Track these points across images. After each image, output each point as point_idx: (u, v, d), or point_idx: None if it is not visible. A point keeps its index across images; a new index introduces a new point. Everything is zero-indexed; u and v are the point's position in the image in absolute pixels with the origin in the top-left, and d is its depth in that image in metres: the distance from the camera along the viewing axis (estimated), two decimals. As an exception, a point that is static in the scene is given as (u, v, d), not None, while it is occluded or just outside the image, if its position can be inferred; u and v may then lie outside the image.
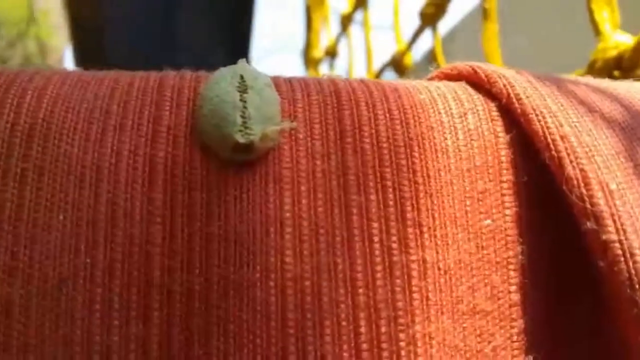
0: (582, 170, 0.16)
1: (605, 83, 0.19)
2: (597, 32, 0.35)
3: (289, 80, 0.17)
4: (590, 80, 0.19)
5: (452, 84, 0.18)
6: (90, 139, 0.16)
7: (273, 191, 0.15)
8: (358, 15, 0.67)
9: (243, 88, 0.15)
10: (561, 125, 0.16)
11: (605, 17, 0.40)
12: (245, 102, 0.15)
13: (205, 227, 0.15)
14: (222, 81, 0.16)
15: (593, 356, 0.17)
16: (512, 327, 0.16)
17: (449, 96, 0.18)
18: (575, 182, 0.16)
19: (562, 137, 0.16)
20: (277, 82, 0.17)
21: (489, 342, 0.16)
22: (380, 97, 0.17)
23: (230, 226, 0.15)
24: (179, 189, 0.15)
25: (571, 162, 0.16)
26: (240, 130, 0.15)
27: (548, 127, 0.16)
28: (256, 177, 0.16)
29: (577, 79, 0.19)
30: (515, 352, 0.16)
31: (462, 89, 0.18)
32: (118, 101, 0.16)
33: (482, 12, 0.43)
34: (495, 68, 0.18)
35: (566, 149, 0.16)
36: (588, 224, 0.15)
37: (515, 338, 0.16)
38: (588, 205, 0.15)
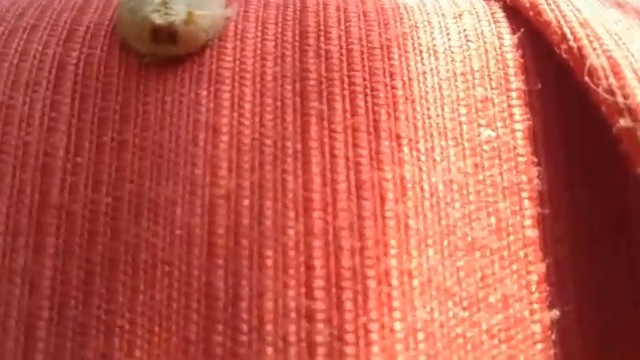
0: (609, 57, 0.12)
1: None
2: None
3: None
4: None
5: None
6: None
7: (207, 92, 0.12)
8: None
9: None
10: (580, 12, 0.13)
11: None
12: None
13: (118, 135, 0.12)
14: (148, -34, 0.13)
15: (636, 309, 0.12)
16: (529, 273, 0.12)
17: None
18: (601, 72, 0.12)
19: (582, 24, 0.12)
20: None
21: (496, 289, 0.12)
22: (355, 0, 0.14)
23: (148, 133, 0.12)
24: (90, 92, 0.12)
25: (594, 49, 0.12)
26: (159, 10, 0.12)
27: (564, 15, 0.13)
28: (185, 77, 0.12)
29: None
30: (535, 305, 0.12)
31: None
32: (37, 5, 0.14)
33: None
34: None
35: (588, 35, 0.12)
36: (621, 121, 0.11)
37: (534, 288, 0.12)
38: (620, 99, 0.11)
